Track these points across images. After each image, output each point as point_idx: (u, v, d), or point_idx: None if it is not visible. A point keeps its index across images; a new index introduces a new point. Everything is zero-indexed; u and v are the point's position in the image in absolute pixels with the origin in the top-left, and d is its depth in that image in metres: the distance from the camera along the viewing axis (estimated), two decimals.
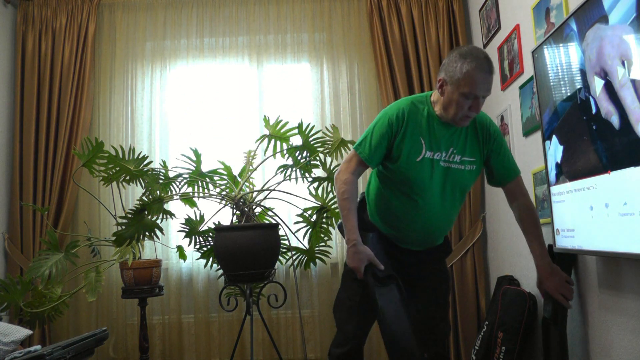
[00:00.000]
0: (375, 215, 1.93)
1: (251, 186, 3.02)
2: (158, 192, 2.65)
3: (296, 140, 2.90)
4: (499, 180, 1.89)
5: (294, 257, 2.90)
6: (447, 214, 1.85)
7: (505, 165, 1.87)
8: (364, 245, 1.74)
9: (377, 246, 1.81)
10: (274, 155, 2.96)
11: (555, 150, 1.86)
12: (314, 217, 2.85)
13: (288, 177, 2.88)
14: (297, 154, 2.86)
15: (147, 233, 2.59)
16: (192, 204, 2.94)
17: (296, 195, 2.90)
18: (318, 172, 2.91)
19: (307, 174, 2.88)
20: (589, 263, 1.92)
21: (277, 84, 3.45)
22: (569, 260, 1.92)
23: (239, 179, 2.92)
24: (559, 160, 1.84)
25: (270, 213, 2.94)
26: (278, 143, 2.93)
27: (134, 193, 3.25)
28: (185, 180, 2.79)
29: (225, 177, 2.90)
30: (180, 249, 3.02)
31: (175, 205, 3.12)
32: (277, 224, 2.77)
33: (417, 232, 1.86)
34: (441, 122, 1.78)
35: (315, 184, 2.87)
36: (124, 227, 2.54)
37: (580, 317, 2.00)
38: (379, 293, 1.68)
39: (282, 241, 2.78)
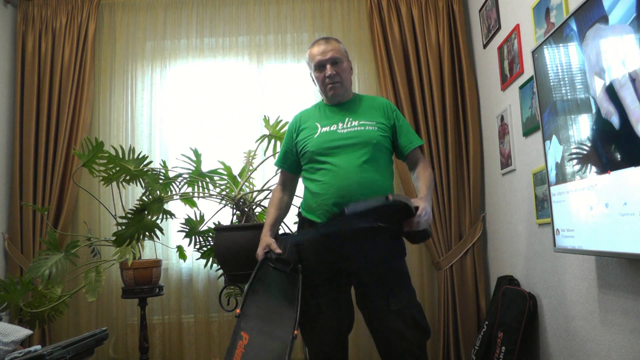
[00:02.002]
0: (306, 210, 2.05)
1: (251, 186, 3.01)
2: (158, 192, 2.64)
3: None
4: (401, 152, 2.05)
5: None
6: (363, 171, 1.91)
7: (407, 137, 2.04)
8: (267, 237, 2.00)
9: (291, 241, 2.00)
10: (274, 155, 2.95)
11: (555, 150, 1.86)
12: None
13: None
14: None
15: (147, 233, 2.59)
16: (192, 204, 2.94)
17: (296, 195, 2.90)
18: None
19: None
20: (589, 263, 1.92)
21: (277, 83, 3.45)
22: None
23: (239, 179, 2.92)
24: (559, 160, 1.84)
25: None
26: (278, 143, 2.93)
27: (134, 193, 3.25)
28: (185, 180, 2.79)
29: (225, 177, 2.89)
30: (180, 249, 3.02)
31: (175, 205, 3.12)
32: None
33: (337, 196, 1.90)
34: (331, 106, 2.08)
35: None
36: (124, 227, 2.54)
37: (581, 317, 2.00)
38: (264, 268, 1.91)
39: None
